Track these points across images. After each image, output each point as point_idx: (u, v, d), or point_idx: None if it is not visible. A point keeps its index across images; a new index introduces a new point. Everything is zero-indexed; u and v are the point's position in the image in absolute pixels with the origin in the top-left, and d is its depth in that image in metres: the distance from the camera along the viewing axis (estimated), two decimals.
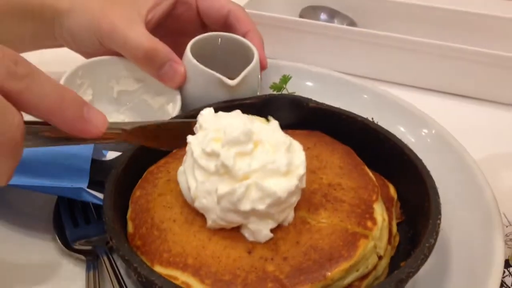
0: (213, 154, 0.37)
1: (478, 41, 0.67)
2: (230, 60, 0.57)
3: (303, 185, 0.39)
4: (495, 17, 0.73)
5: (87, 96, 0.55)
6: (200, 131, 0.39)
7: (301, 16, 0.78)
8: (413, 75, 0.69)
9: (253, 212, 0.36)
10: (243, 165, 0.36)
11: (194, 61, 0.52)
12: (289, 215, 0.39)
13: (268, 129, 0.39)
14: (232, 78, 0.51)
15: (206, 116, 0.40)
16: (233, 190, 0.36)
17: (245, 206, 0.36)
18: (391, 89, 0.61)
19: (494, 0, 0.98)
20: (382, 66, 0.69)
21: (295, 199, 0.38)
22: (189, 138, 0.40)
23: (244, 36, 0.56)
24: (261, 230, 0.37)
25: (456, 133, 0.52)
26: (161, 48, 0.52)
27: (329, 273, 0.35)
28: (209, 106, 0.46)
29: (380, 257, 0.39)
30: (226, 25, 0.58)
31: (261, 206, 0.36)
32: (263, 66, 0.56)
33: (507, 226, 0.49)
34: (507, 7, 0.95)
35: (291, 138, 0.40)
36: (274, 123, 0.41)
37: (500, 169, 0.55)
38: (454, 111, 0.65)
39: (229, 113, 0.41)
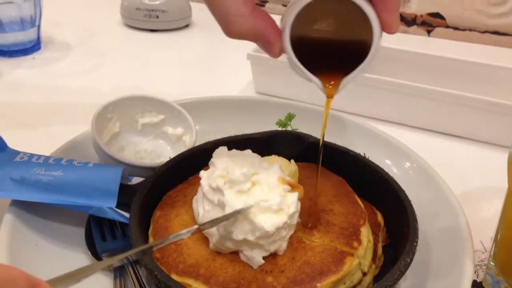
0: (217, 190, 0.44)
1: (461, 85, 0.74)
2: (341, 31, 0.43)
3: (294, 221, 0.44)
4: (476, 63, 0.80)
5: (115, 128, 0.62)
6: (212, 167, 0.46)
7: None
8: (402, 114, 0.76)
9: (245, 242, 0.42)
10: (239, 202, 0.42)
11: (294, 59, 0.41)
12: (282, 246, 0.44)
13: (270, 171, 0.45)
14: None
15: (219, 154, 0.47)
16: (229, 221, 0.42)
17: (238, 236, 0.42)
18: (382, 126, 0.68)
19: (480, 48, 1.05)
20: (375, 105, 0.76)
21: (285, 233, 0.44)
22: (201, 173, 0.47)
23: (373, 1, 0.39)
24: (254, 257, 0.43)
25: (439, 167, 0.58)
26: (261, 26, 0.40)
27: (320, 285, 0.42)
28: (221, 140, 0.53)
29: (364, 273, 0.45)
30: None
31: (251, 237, 0.42)
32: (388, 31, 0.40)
33: (483, 253, 0.55)
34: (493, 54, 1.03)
35: (290, 179, 0.46)
36: (276, 166, 0.46)
37: (479, 201, 0.61)
38: (438, 148, 0.72)
39: (241, 152, 0.48)
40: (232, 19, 0.39)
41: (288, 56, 0.41)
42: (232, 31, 0.40)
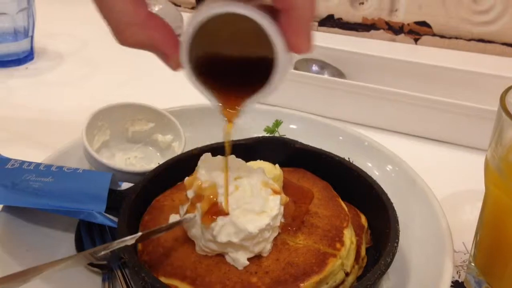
0: (200, 195, 0.45)
1: (447, 91, 0.77)
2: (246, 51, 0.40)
3: (277, 223, 0.45)
4: (462, 70, 0.82)
5: (106, 136, 0.63)
6: (196, 172, 0.48)
7: (295, 67, 0.87)
8: (385, 119, 0.77)
9: (230, 244, 0.43)
10: (222, 204, 0.43)
11: (191, 76, 0.39)
12: (266, 247, 0.45)
13: (253, 175, 0.46)
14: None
15: (204, 160, 0.48)
16: (213, 225, 0.43)
17: (222, 238, 0.43)
18: (368, 132, 0.69)
19: (465, 55, 1.08)
20: (361, 112, 0.78)
21: (269, 235, 0.45)
22: (186, 180, 0.48)
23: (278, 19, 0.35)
24: (239, 259, 0.44)
25: (421, 170, 0.59)
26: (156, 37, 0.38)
27: (303, 285, 0.43)
28: (209, 146, 0.55)
29: (347, 274, 0.46)
30: None
31: (235, 239, 0.43)
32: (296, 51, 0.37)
33: (465, 254, 0.56)
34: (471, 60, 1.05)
35: (273, 183, 0.47)
36: (260, 170, 0.47)
37: (462, 204, 0.63)
38: (421, 152, 0.73)
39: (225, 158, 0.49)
40: (123, 28, 0.37)
41: (185, 72, 0.38)
42: (124, 40, 0.37)
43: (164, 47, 0.38)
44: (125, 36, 0.37)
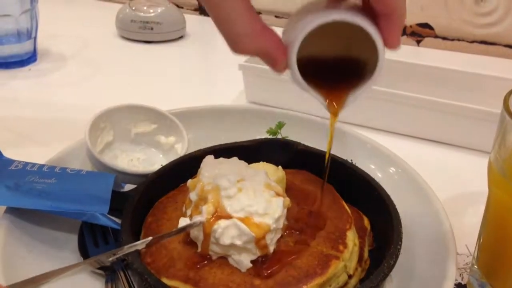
0: (203, 197, 0.45)
1: (450, 93, 0.76)
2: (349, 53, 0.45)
3: (280, 225, 0.45)
4: (465, 72, 0.82)
5: (109, 137, 0.64)
6: (199, 175, 0.48)
7: None
8: (389, 121, 0.77)
9: (233, 246, 0.43)
10: (226, 206, 0.44)
11: (299, 77, 0.41)
12: (270, 249, 0.45)
13: (256, 177, 0.46)
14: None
15: (206, 162, 0.48)
16: (216, 227, 0.43)
17: (225, 241, 0.43)
18: (370, 134, 0.69)
19: (468, 57, 1.08)
20: (364, 114, 0.78)
21: (272, 236, 0.45)
22: (189, 182, 0.48)
23: (377, 20, 0.39)
24: (242, 261, 0.44)
25: (424, 173, 0.59)
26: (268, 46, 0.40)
27: (305, 287, 0.43)
28: (212, 148, 0.55)
29: (350, 276, 0.46)
30: None
31: (238, 242, 0.43)
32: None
33: (468, 256, 0.56)
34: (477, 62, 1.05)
35: (276, 185, 0.47)
36: (262, 172, 0.48)
37: (465, 206, 0.63)
38: (424, 154, 0.73)
39: (228, 160, 0.49)
40: (239, 39, 0.39)
41: (293, 74, 0.41)
42: (238, 49, 0.40)
43: (275, 54, 0.40)
44: (239, 46, 0.40)
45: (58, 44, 1.07)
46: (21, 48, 0.96)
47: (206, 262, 0.45)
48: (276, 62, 0.41)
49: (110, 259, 0.41)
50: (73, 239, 0.53)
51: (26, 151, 0.67)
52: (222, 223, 0.43)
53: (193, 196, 0.46)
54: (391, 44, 0.40)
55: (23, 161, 0.55)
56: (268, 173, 0.49)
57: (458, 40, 1.09)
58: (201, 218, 0.44)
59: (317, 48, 0.43)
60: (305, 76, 0.41)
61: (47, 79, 0.94)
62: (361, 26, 0.38)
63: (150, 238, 0.43)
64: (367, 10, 0.39)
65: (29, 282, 0.38)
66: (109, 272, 0.49)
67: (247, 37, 0.39)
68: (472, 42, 1.08)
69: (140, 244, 0.42)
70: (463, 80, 0.82)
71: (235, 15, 0.38)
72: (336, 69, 0.45)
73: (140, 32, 1.11)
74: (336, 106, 0.44)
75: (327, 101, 0.44)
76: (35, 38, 0.98)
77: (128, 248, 0.42)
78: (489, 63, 1.05)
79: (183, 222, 0.46)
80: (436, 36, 1.11)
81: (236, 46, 0.40)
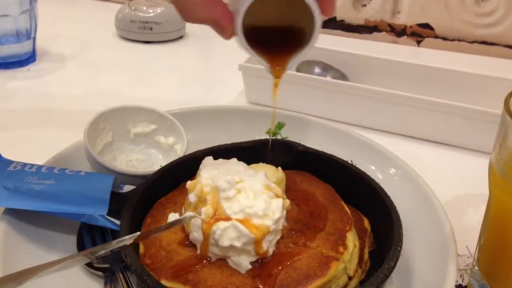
0: (202, 199, 0.45)
1: (450, 93, 0.76)
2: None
3: (280, 227, 0.45)
4: (465, 73, 0.82)
5: (108, 138, 0.63)
6: (198, 176, 0.48)
7: (298, 69, 0.87)
8: (389, 122, 0.77)
9: (232, 248, 0.43)
10: (225, 208, 0.43)
11: (245, 44, 0.45)
12: (269, 251, 0.44)
13: (255, 178, 0.46)
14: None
15: (205, 164, 0.48)
16: (215, 229, 0.43)
17: (224, 242, 0.43)
18: (370, 134, 0.69)
19: (468, 57, 1.08)
20: (364, 114, 0.78)
21: (272, 238, 0.45)
22: (188, 183, 0.48)
23: None
24: (242, 263, 0.44)
25: (425, 174, 0.59)
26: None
27: None
28: (211, 149, 0.54)
29: (350, 278, 0.46)
30: None
31: (237, 244, 0.43)
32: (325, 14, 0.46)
33: (468, 257, 0.56)
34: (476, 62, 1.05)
35: (275, 186, 0.47)
36: (262, 174, 0.47)
37: (465, 207, 0.63)
38: (424, 155, 0.73)
39: (227, 161, 0.49)
40: (190, 7, 0.43)
41: (239, 40, 0.45)
42: (190, 18, 0.43)
43: (223, 22, 0.44)
44: (189, 13, 0.43)
45: (57, 44, 1.07)
46: (20, 48, 0.96)
47: (205, 263, 0.45)
48: (224, 30, 0.44)
49: (96, 255, 0.41)
50: (72, 240, 0.53)
51: (24, 152, 0.66)
52: (221, 224, 0.43)
53: (192, 197, 0.46)
54: (326, 11, 0.45)
55: (21, 162, 0.55)
56: (267, 174, 0.49)
57: (459, 40, 1.09)
58: (191, 213, 0.44)
59: (262, 15, 0.47)
60: (251, 42, 0.46)
61: (46, 79, 0.94)
62: None
63: (138, 233, 0.43)
64: None
65: (16, 275, 0.37)
66: (108, 274, 0.49)
67: (198, 5, 0.43)
68: (473, 42, 1.08)
69: (127, 239, 0.42)
70: (463, 81, 0.81)
71: None
72: (279, 35, 0.50)
73: (140, 32, 1.11)
74: (278, 70, 0.49)
75: (270, 65, 0.48)
76: (34, 38, 0.98)
77: (116, 243, 0.42)
78: (489, 64, 1.05)
79: (172, 217, 0.45)
80: (436, 37, 1.11)
81: (187, 14, 0.43)
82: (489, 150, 0.47)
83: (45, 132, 0.76)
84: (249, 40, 0.46)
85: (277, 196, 0.45)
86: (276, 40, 0.49)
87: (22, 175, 0.53)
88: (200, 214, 0.44)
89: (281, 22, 0.50)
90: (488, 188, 0.48)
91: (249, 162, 0.52)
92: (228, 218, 0.43)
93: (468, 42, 1.08)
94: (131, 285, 0.47)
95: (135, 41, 1.12)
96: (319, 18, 0.45)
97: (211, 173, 0.46)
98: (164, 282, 0.44)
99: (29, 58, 0.98)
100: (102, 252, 0.41)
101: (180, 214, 0.49)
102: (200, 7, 0.43)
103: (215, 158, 0.50)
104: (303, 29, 0.47)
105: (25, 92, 0.89)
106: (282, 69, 0.49)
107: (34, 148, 0.71)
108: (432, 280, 0.47)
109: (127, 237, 0.42)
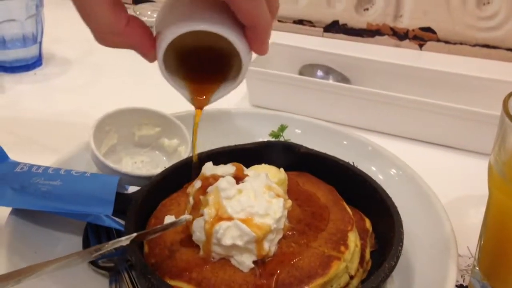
0: (204, 200, 0.46)
1: (452, 96, 0.77)
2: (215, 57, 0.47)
3: (281, 226, 0.46)
4: (467, 76, 0.82)
5: (113, 140, 0.64)
6: (198, 180, 0.48)
7: (300, 73, 0.88)
8: (390, 124, 0.78)
9: (234, 247, 0.44)
10: (226, 208, 0.44)
11: (165, 73, 0.45)
12: (271, 249, 0.45)
13: (256, 179, 0.47)
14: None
15: (206, 168, 0.49)
16: (217, 228, 0.44)
17: (227, 241, 0.44)
18: (372, 136, 0.69)
19: (470, 61, 1.08)
20: (366, 116, 0.79)
21: (273, 237, 0.45)
22: (188, 188, 0.49)
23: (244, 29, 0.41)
24: (244, 262, 0.44)
25: (426, 175, 0.59)
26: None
27: (307, 287, 0.43)
28: (214, 151, 0.55)
29: (351, 277, 0.47)
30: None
31: (239, 243, 0.43)
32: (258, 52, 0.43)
33: (469, 258, 0.56)
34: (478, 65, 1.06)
35: (276, 186, 0.47)
36: (263, 174, 0.48)
37: (466, 208, 0.63)
38: (425, 156, 0.74)
39: (226, 166, 0.50)
40: (104, 37, 0.40)
41: (160, 69, 0.44)
42: (104, 45, 0.41)
43: (142, 47, 0.42)
44: (105, 41, 0.41)
45: (63, 49, 1.08)
46: (27, 52, 0.97)
47: (208, 263, 0.46)
48: (145, 56, 0.43)
49: (93, 255, 0.41)
50: (78, 240, 0.54)
51: (31, 154, 0.67)
52: (223, 224, 0.43)
53: (191, 200, 0.47)
54: (258, 51, 0.42)
55: (28, 164, 0.56)
56: (270, 175, 0.49)
57: (461, 44, 1.10)
58: (187, 216, 0.45)
59: (190, 39, 0.43)
60: (179, 64, 0.45)
61: (53, 83, 0.95)
62: (226, 37, 0.40)
63: (134, 234, 0.43)
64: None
65: (15, 273, 0.37)
66: (113, 273, 0.49)
67: (111, 35, 0.40)
68: (475, 46, 1.09)
69: (124, 240, 0.43)
70: (465, 84, 0.82)
71: (99, 11, 0.38)
72: (211, 61, 0.47)
73: None
74: (201, 100, 0.47)
75: (193, 95, 0.46)
76: (40, 42, 0.99)
77: (112, 244, 0.42)
78: (491, 67, 1.05)
79: (168, 219, 0.46)
80: (438, 40, 1.11)
81: (102, 42, 0.40)
82: (488, 151, 0.47)
83: (51, 135, 0.77)
84: (178, 59, 0.44)
85: (278, 196, 0.46)
86: (205, 66, 0.47)
87: (29, 176, 0.54)
88: (202, 215, 0.45)
89: (212, 48, 0.46)
90: (487, 188, 0.48)
91: (252, 163, 0.53)
92: (230, 218, 0.44)
93: (470, 45, 1.09)
94: (136, 284, 0.48)
95: None
96: (246, 59, 0.42)
97: (212, 173, 0.47)
98: (168, 281, 0.45)
99: (35, 62, 0.99)
100: (97, 253, 0.42)
101: (184, 212, 0.50)
102: (114, 36, 0.40)
103: (218, 160, 0.51)
104: (232, 64, 0.45)
105: (32, 96, 0.90)
106: (205, 99, 0.47)
107: (41, 150, 0.72)
108: (433, 280, 0.47)
109: (123, 238, 0.43)
